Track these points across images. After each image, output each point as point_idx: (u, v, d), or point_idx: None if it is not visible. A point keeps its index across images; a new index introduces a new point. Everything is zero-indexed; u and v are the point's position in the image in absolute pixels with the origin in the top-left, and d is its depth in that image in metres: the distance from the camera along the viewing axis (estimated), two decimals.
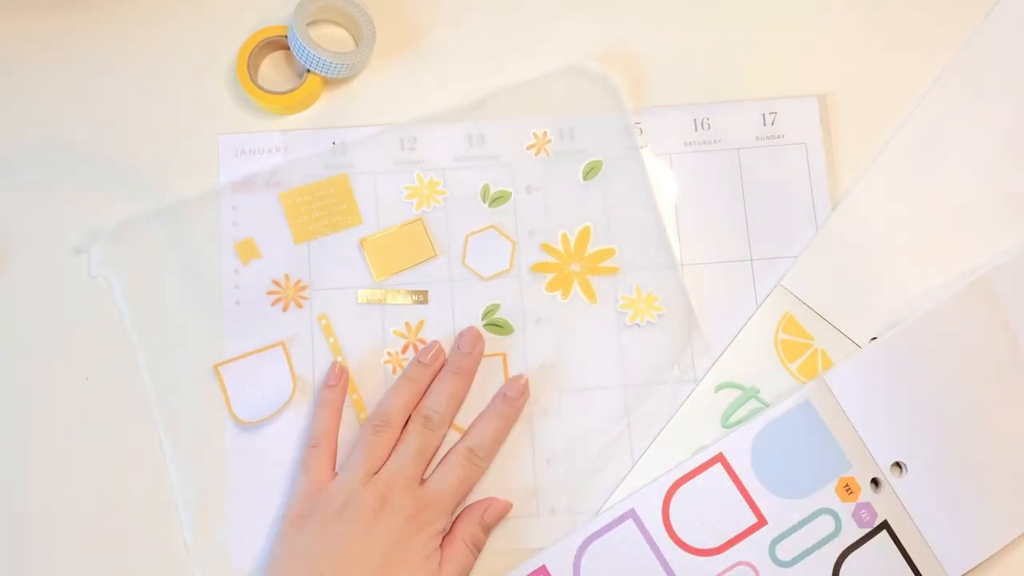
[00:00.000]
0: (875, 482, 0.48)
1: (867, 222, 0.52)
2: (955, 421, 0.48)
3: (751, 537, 0.47)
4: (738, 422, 0.49)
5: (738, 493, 0.47)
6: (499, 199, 0.52)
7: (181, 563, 0.48)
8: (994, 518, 0.47)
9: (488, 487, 0.49)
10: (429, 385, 0.49)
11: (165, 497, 0.49)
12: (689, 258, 0.52)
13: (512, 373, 0.50)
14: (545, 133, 0.52)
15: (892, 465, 0.48)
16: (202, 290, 0.51)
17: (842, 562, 0.47)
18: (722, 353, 0.50)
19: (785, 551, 0.47)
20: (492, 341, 0.50)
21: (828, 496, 0.47)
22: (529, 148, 0.52)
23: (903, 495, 0.47)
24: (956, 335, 0.49)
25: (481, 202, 0.52)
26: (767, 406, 0.49)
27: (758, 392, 0.50)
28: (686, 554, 0.47)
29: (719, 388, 0.50)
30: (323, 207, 0.52)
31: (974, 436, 0.48)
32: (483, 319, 0.51)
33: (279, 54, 0.54)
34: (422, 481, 0.47)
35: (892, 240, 0.51)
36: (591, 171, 0.52)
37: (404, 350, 0.50)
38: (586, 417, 0.50)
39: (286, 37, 0.52)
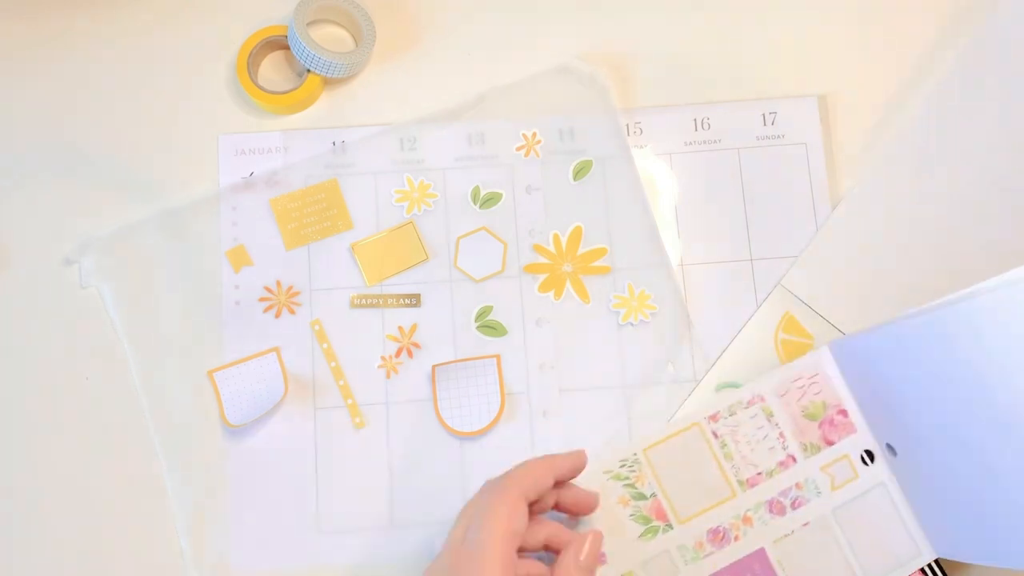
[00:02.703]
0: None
1: (867, 222, 0.51)
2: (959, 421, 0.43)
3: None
4: None
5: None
6: (490, 200, 0.52)
7: (179, 570, 0.48)
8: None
9: None
10: None
11: (163, 503, 0.49)
12: (689, 258, 0.52)
13: (507, 374, 0.50)
14: (535, 134, 0.53)
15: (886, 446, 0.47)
16: (197, 296, 0.51)
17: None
18: (722, 353, 0.50)
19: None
20: (486, 343, 0.51)
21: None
22: (519, 149, 0.52)
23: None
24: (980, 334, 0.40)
25: (471, 204, 0.52)
26: None
27: None
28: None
29: (719, 388, 0.50)
30: (314, 212, 0.52)
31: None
32: (476, 321, 0.51)
33: (279, 54, 0.54)
34: None
35: (892, 240, 0.51)
36: (581, 171, 0.52)
37: (398, 354, 0.50)
38: (585, 417, 0.50)
39: (286, 37, 0.52)
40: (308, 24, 0.52)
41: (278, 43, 0.53)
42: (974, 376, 0.39)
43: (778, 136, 0.53)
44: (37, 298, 0.51)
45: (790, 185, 0.52)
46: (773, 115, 0.53)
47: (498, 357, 0.50)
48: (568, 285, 0.51)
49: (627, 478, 0.47)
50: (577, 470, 0.44)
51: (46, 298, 0.51)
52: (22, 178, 0.52)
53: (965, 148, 0.52)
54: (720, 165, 0.53)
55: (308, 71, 0.52)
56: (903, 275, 0.51)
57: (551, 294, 0.51)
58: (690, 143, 0.53)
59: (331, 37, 0.54)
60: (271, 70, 0.54)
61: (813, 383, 0.48)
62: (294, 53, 0.52)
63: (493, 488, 0.41)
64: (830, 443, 0.48)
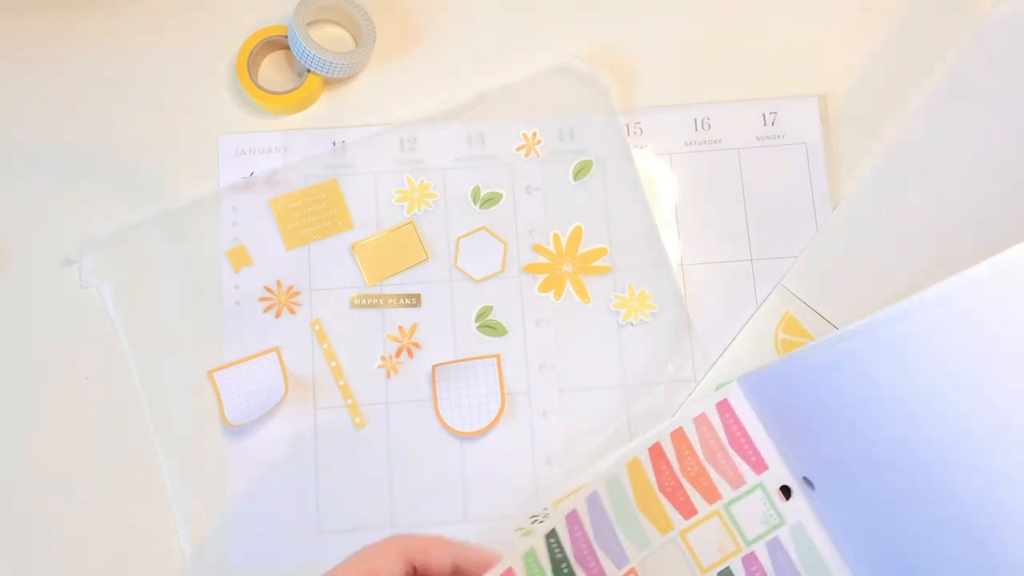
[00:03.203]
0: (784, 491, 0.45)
1: (867, 222, 0.51)
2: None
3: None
4: None
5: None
6: (490, 200, 0.52)
7: (179, 570, 0.48)
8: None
9: (489, 488, 0.49)
10: None
11: (163, 503, 0.49)
12: (689, 258, 0.52)
13: (507, 374, 0.50)
14: (535, 134, 0.53)
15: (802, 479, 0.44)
16: (197, 296, 0.51)
17: None
18: (722, 353, 0.50)
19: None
20: (486, 343, 0.51)
21: None
22: (519, 149, 0.52)
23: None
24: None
25: (472, 204, 0.52)
26: None
27: None
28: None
29: (719, 388, 0.50)
30: (314, 212, 0.52)
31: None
32: (476, 321, 0.51)
33: (279, 54, 0.54)
34: None
35: (892, 240, 0.51)
36: (581, 171, 0.52)
37: (398, 354, 0.50)
38: (585, 417, 0.50)
39: (286, 37, 0.52)
40: (308, 24, 0.52)
41: (278, 43, 0.53)
42: (892, 400, 0.37)
43: (778, 136, 0.53)
44: (37, 298, 0.51)
45: (790, 185, 0.52)
46: (773, 115, 0.53)
47: (498, 357, 0.50)
48: (568, 285, 0.51)
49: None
50: (484, 568, 0.39)
51: (46, 298, 0.51)
52: (22, 178, 0.52)
53: (965, 148, 0.52)
54: (720, 165, 0.53)
55: (308, 71, 0.52)
56: (903, 275, 0.51)
57: (551, 294, 0.51)
58: (690, 143, 0.53)
59: (331, 37, 0.54)
60: (271, 70, 0.54)
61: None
62: (294, 53, 0.52)
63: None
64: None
